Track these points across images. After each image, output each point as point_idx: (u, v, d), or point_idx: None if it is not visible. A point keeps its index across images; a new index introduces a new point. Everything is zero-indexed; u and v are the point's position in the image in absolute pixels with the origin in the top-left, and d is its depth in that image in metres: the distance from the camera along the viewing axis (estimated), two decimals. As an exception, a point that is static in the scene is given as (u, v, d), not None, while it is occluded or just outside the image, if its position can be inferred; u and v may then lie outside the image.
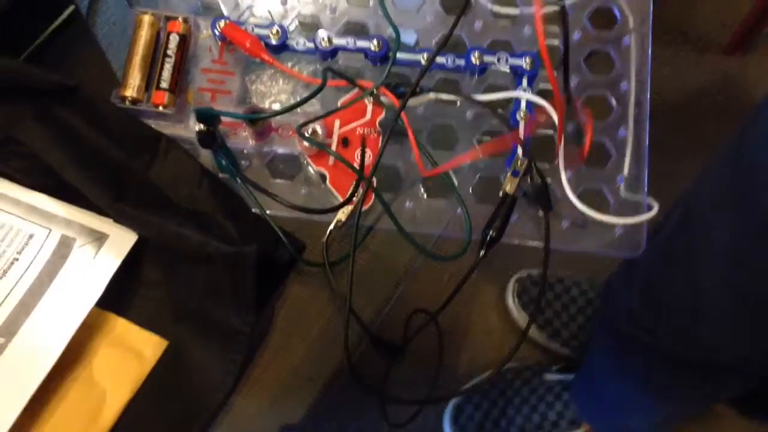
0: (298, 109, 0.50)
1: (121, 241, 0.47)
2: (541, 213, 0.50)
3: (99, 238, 0.47)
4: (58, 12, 0.54)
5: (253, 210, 0.50)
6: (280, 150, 0.52)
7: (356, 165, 0.50)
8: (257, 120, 0.49)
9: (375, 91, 0.50)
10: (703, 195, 0.53)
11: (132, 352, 0.46)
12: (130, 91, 0.49)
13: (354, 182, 0.50)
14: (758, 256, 0.46)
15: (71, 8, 0.53)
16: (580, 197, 0.50)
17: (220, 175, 0.51)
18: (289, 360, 0.92)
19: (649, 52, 0.55)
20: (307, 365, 0.92)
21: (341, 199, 0.50)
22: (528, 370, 0.91)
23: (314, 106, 0.52)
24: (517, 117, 0.52)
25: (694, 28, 1.29)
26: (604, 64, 0.56)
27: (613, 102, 0.55)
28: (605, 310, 0.83)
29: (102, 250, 0.47)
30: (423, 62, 0.52)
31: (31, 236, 0.47)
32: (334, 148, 0.51)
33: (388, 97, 0.51)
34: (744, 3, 1.26)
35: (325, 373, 0.92)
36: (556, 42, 0.54)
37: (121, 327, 0.47)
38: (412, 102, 0.52)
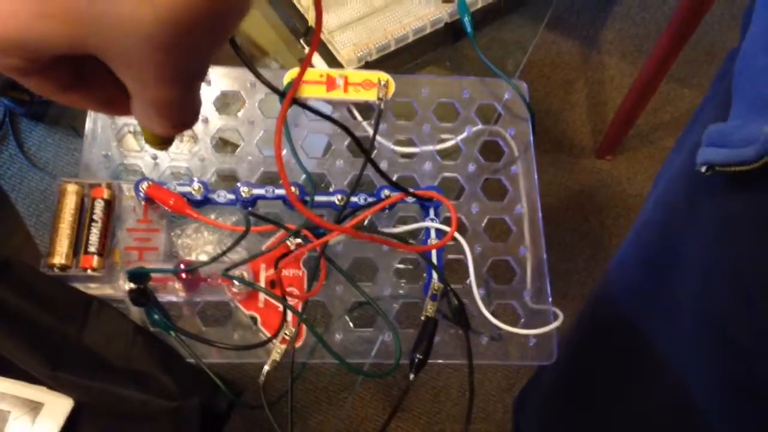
0: (225, 258, 0.52)
1: (57, 408, 0.47)
2: (461, 332, 0.55)
3: (34, 408, 0.47)
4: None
5: (189, 360, 0.51)
6: (210, 298, 0.54)
7: (288, 302, 0.53)
8: (186, 272, 0.51)
9: (297, 233, 0.54)
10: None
11: None
12: (59, 258, 0.51)
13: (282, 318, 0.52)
14: None
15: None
16: (494, 313, 0.55)
17: (153, 329, 0.52)
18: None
19: (535, 177, 0.62)
20: None
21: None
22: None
23: (240, 254, 0.55)
24: (429, 244, 0.57)
25: (567, 137, 1.43)
26: (498, 190, 0.62)
27: (511, 224, 0.61)
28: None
29: (38, 420, 0.46)
30: (337, 203, 0.57)
31: (-38, 415, 0.46)
32: (261, 296, 0.54)
33: (309, 238, 0.54)
34: (609, 111, 1.41)
35: None
36: (454, 175, 0.61)
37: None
38: (332, 240, 0.56)
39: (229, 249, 0.51)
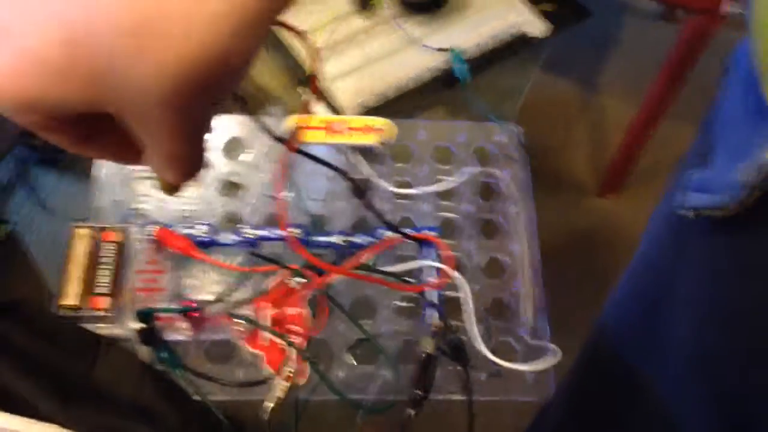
0: (230, 297, 0.54)
1: (67, 445, 0.49)
2: (460, 368, 0.56)
3: (44, 446, 0.48)
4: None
5: (195, 397, 0.53)
6: (215, 337, 0.56)
7: (291, 340, 0.54)
8: (193, 311, 0.53)
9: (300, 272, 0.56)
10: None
11: None
12: (71, 299, 0.53)
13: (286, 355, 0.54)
14: None
15: (7, 228, 0.57)
16: (493, 350, 0.56)
17: (160, 367, 0.54)
18: None
19: (534, 216, 0.64)
20: None
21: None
22: None
23: (245, 293, 0.57)
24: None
25: (569, 176, 1.45)
26: (497, 229, 0.64)
27: (510, 263, 0.62)
28: None
29: (48, 458, 0.48)
30: (338, 243, 0.59)
31: (-25, 453, 0.47)
32: (265, 334, 0.56)
33: (310, 277, 0.56)
34: (610, 150, 1.44)
35: None
36: (452, 215, 0.63)
37: None
38: (333, 280, 0.58)
39: (235, 288, 0.53)
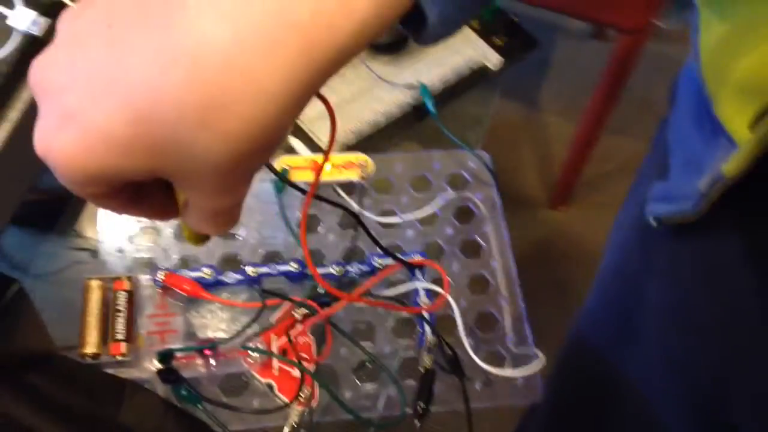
0: (240, 332, 0.58)
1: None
2: (457, 379, 0.61)
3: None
4: (3, 291, 0.60)
5: (215, 429, 0.56)
6: (230, 371, 0.59)
7: (302, 365, 0.59)
8: (209, 349, 0.57)
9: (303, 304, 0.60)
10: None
11: None
12: (91, 348, 0.56)
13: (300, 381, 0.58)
14: None
15: (16, 287, 0.59)
16: (484, 360, 0.62)
17: (179, 404, 0.57)
18: None
19: (505, 233, 0.70)
20: None
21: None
22: None
23: (253, 328, 0.61)
24: (419, 302, 0.64)
25: (524, 193, 1.53)
26: (475, 248, 0.69)
27: (490, 278, 0.68)
28: None
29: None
30: (335, 273, 0.64)
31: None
32: (276, 364, 0.60)
33: (314, 308, 0.61)
34: (557, 165, 1.53)
35: None
36: (435, 239, 0.68)
37: None
38: (333, 309, 0.62)
39: (249, 324, 0.57)
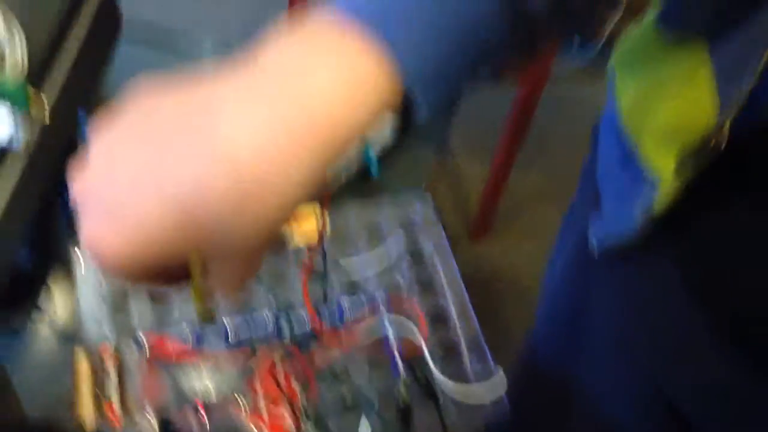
0: (224, 382, 0.62)
1: None
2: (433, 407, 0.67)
3: None
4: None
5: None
6: (223, 422, 0.62)
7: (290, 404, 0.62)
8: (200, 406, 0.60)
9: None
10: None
11: None
12: (87, 417, 0.58)
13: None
14: None
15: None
16: (450, 378, 0.68)
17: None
18: None
19: (455, 266, 0.77)
20: None
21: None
22: None
23: (240, 378, 0.64)
24: (390, 337, 0.70)
25: (447, 228, 1.61)
26: (431, 282, 0.76)
27: (446, 308, 0.74)
28: None
29: None
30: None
31: None
32: (263, 408, 0.64)
33: (294, 353, 0.65)
34: (475, 201, 1.63)
35: None
36: (394, 276, 0.74)
37: None
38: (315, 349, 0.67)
39: (229, 376, 0.61)
